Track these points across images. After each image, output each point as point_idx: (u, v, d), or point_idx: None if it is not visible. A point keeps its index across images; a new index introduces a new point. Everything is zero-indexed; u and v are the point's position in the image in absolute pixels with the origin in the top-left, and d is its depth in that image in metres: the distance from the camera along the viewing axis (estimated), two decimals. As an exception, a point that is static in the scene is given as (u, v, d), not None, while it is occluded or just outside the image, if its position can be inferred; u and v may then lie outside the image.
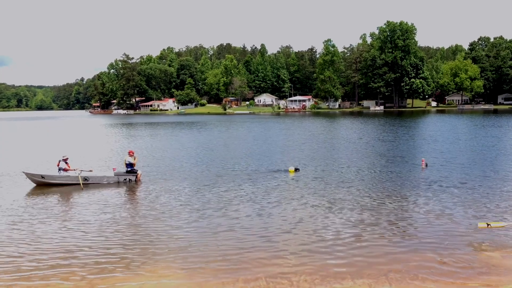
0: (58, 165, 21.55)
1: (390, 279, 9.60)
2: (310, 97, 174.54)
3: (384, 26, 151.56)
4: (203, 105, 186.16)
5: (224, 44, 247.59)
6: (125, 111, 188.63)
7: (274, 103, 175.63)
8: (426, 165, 24.60)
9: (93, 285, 9.64)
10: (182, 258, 11.15)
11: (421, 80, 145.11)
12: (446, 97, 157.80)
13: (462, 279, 9.61)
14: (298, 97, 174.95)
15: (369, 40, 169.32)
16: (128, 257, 11.29)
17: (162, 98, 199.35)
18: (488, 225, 12.29)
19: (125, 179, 21.69)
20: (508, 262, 10.51)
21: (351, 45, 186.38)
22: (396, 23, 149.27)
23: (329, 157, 29.91)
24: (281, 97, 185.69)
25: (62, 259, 11.21)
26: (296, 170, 24.06)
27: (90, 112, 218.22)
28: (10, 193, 19.65)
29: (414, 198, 17.12)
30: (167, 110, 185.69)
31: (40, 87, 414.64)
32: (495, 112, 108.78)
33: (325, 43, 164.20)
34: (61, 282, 9.89)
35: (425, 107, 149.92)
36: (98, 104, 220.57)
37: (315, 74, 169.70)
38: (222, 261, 10.86)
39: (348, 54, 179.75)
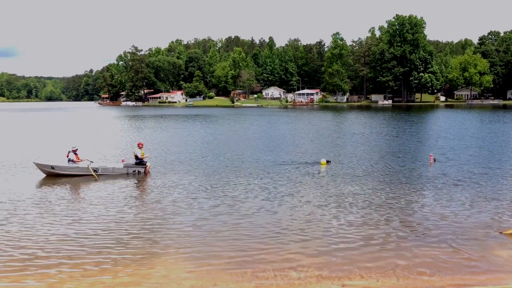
0: (67, 156, 21.74)
1: (398, 274, 9.64)
2: (318, 90, 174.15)
3: (393, 20, 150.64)
4: (211, 97, 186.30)
5: (232, 37, 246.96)
6: (133, 103, 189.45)
7: (282, 96, 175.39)
8: (435, 160, 24.51)
9: (98, 278, 9.75)
10: (190, 251, 11.21)
11: (430, 74, 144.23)
12: (455, 91, 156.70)
13: (469, 275, 9.64)
14: (306, 91, 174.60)
15: (377, 33, 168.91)
16: (134, 250, 11.37)
17: (171, 90, 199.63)
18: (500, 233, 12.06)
19: (134, 171, 21.81)
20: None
21: (359, 38, 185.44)
22: (405, 16, 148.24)
23: (337, 151, 29.88)
24: (289, 90, 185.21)
25: (67, 250, 11.29)
26: (328, 162, 24.10)
27: (99, 103, 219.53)
28: (20, 183, 19.88)
29: (423, 194, 17.10)
30: (175, 102, 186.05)
31: (49, 78, 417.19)
32: (505, 107, 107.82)
33: (333, 36, 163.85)
34: (66, 272, 10.00)
35: (434, 102, 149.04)
36: (107, 95, 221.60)
37: (323, 68, 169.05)
38: (231, 255, 10.90)
39: (357, 47, 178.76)
